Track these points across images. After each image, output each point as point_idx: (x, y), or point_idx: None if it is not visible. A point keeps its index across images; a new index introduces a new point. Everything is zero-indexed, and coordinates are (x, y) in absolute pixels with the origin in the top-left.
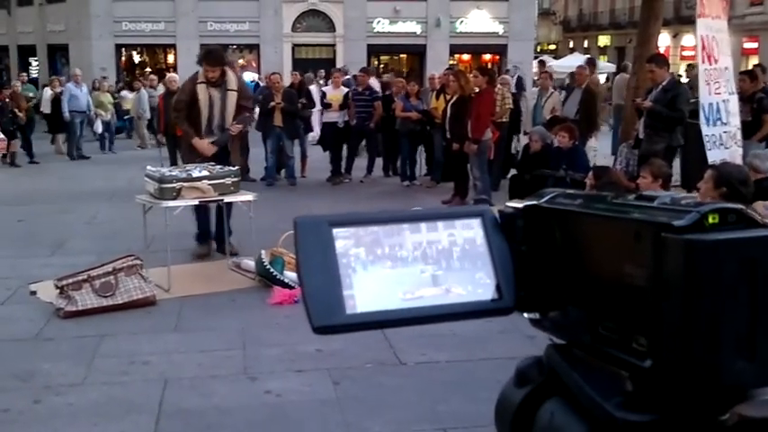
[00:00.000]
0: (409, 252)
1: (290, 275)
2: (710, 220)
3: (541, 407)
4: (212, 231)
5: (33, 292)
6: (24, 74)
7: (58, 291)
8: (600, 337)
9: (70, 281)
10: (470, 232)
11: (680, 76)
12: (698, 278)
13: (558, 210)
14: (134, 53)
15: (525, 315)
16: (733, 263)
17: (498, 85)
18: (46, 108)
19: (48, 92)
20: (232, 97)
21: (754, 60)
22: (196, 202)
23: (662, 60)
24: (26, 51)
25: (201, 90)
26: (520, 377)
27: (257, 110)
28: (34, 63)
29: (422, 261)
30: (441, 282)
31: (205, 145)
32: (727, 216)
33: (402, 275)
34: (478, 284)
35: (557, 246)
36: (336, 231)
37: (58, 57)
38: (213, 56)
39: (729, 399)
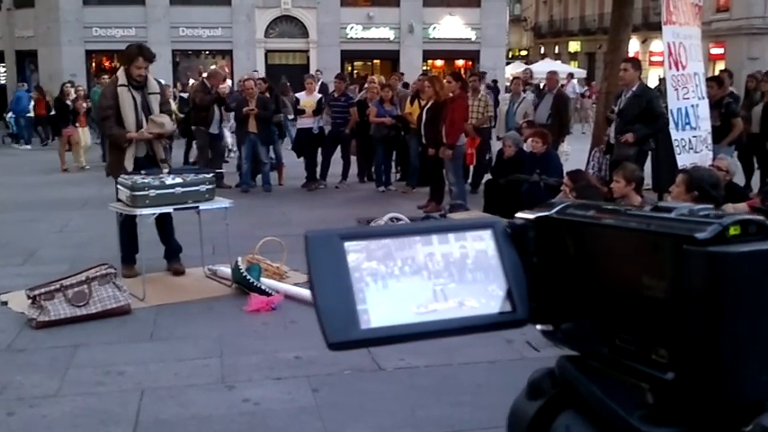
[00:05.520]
0: (421, 265)
1: (267, 282)
2: (732, 232)
3: (555, 420)
4: (137, 249)
5: (4, 303)
6: (105, 76)
7: (29, 301)
8: (617, 349)
9: (42, 290)
10: (481, 244)
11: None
12: (721, 291)
13: (571, 221)
14: (104, 59)
15: (538, 327)
16: (756, 275)
17: (482, 92)
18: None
19: None
20: (155, 100)
21: (720, 66)
22: (170, 209)
23: (637, 64)
24: None
25: (123, 93)
26: (532, 389)
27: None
28: (2, 69)
29: (434, 274)
30: (453, 295)
31: (146, 133)
32: (748, 227)
33: (415, 289)
34: (491, 297)
35: (569, 257)
36: (348, 245)
37: (26, 63)
38: (148, 51)
39: (751, 410)
